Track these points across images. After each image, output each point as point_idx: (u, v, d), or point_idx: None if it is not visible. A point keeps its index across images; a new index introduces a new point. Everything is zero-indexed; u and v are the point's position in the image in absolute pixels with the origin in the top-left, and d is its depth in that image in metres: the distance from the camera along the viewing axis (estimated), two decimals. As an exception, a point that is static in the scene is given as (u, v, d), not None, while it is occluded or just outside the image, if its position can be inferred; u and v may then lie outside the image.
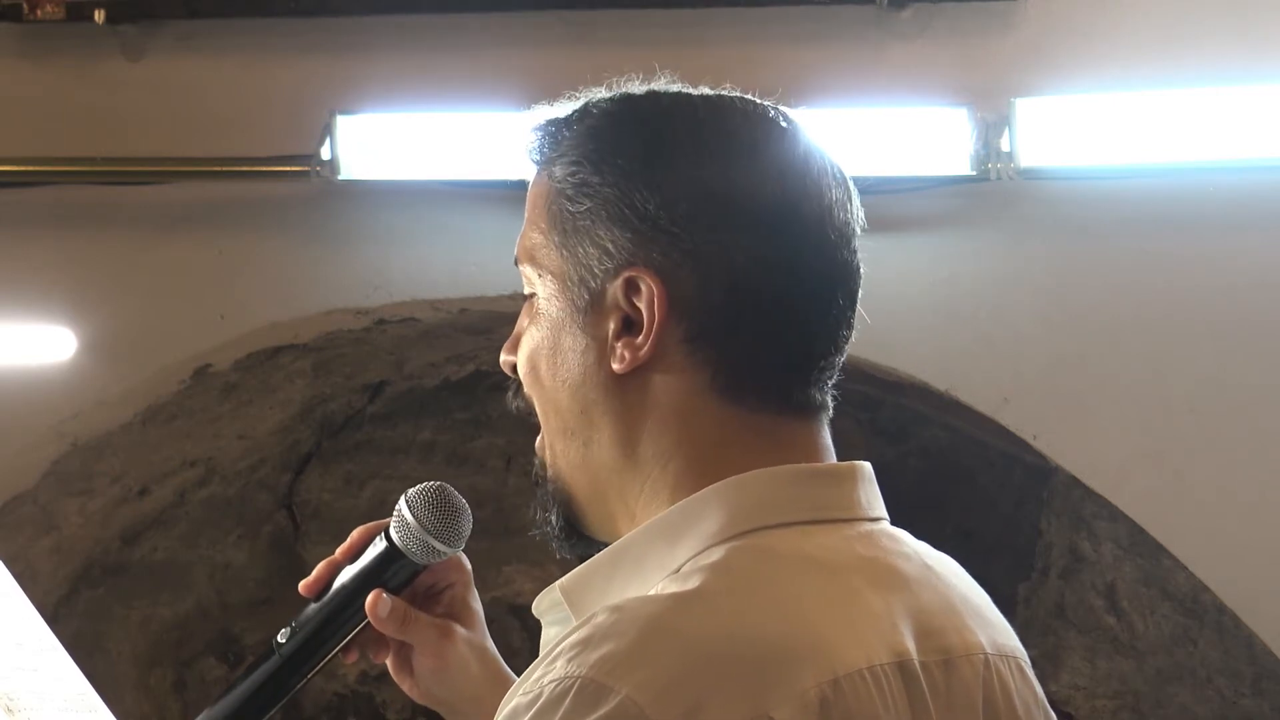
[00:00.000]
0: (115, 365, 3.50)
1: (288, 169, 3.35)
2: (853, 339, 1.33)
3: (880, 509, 1.34)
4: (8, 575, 1.70)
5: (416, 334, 3.61)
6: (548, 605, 1.33)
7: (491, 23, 3.31)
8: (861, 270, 1.33)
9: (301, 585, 1.56)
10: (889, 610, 1.25)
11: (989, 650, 1.31)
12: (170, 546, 4.00)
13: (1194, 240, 3.14)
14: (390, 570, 1.55)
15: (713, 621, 1.18)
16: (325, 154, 3.29)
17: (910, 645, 1.24)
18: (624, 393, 1.30)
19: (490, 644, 1.61)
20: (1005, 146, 3.09)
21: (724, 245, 1.27)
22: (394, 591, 1.55)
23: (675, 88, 1.35)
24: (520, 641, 3.49)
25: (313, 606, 1.56)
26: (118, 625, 3.99)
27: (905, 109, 3.15)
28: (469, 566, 1.61)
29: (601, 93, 1.35)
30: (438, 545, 1.53)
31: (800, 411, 1.31)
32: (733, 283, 1.28)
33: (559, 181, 1.32)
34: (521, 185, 1.39)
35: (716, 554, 1.24)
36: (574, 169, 1.31)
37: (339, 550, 1.57)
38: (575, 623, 1.25)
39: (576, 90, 1.37)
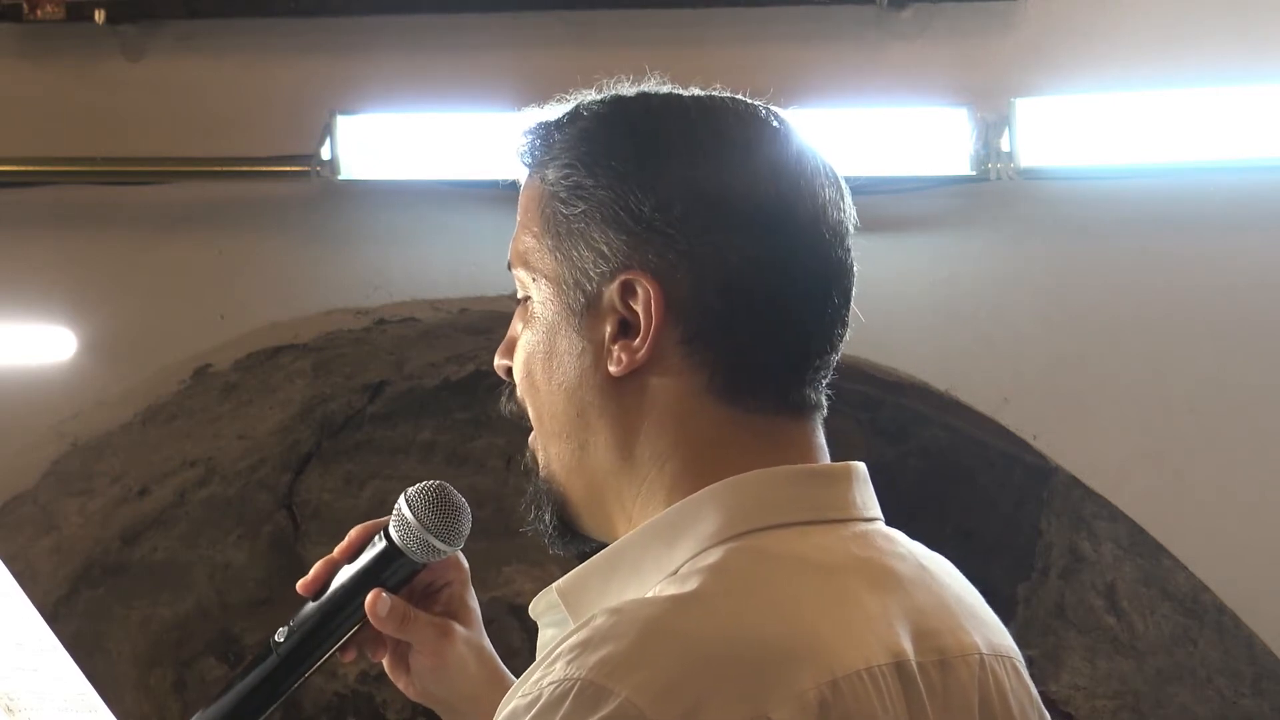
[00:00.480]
0: (115, 365, 3.50)
1: (288, 169, 3.35)
2: (848, 337, 1.33)
3: (875, 509, 1.34)
4: (8, 575, 1.70)
5: (416, 334, 3.61)
6: (544, 607, 1.33)
7: (491, 23, 3.31)
8: (855, 269, 1.33)
9: (300, 584, 1.56)
10: (885, 611, 1.25)
11: (984, 650, 1.31)
12: (170, 546, 4.00)
13: (1194, 240, 3.14)
14: (389, 569, 1.54)
15: (711, 623, 1.18)
16: (325, 154, 3.29)
17: (907, 646, 1.24)
18: (620, 395, 1.30)
19: (488, 643, 1.61)
20: (1005, 146, 3.09)
21: (719, 246, 1.27)
22: (393, 590, 1.54)
23: (666, 89, 1.35)
24: (520, 641, 3.49)
25: (311, 605, 1.56)
26: (118, 625, 3.99)
27: (905, 109, 3.15)
28: (466, 565, 1.61)
29: (592, 95, 1.35)
30: (437, 544, 1.53)
31: (796, 411, 1.31)
32: (728, 283, 1.28)
33: (552, 185, 1.32)
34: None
35: (714, 555, 1.24)
36: (567, 171, 1.31)
37: (337, 549, 1.57)
38: (573, 625, 1.25)
39: (576, 90, 1.37)
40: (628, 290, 1.28)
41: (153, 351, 3.52)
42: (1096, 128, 3.07)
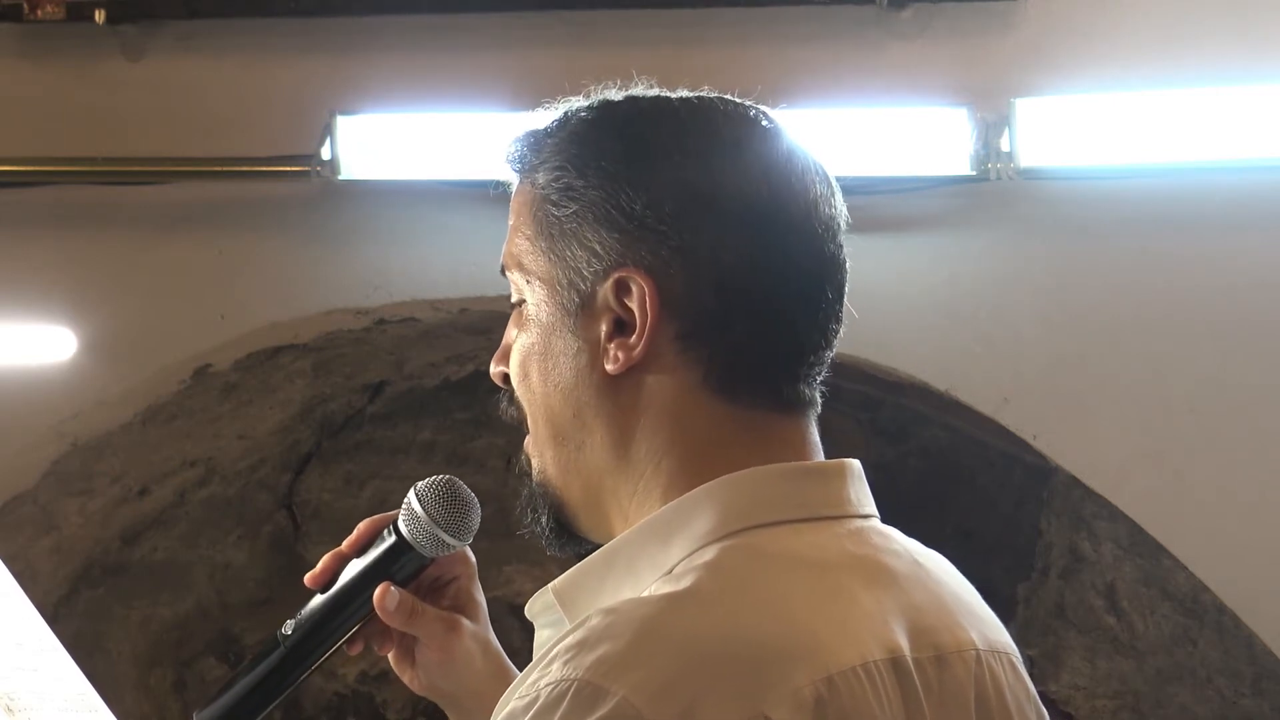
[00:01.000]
0: (115, 365, 3.50)
1: (288, 169, 3.35)
2: (842, 333, 1.34)
3: (870, 506, 1.34)
4: (8, 575, 1.70)
5: (416, 334, 3.61)
6: (540, 608, 1.33)
7: (491, 23, 3.31)
8: (848, 264, 1.34)
9: (307, 577, 1.57)
10: (881, 607, 1.25)
11: (980, 646, 1.31)
12: (170, 546, 4.00)
13: (1194, 240, 3.14)
14: (398, 563, 1.55)
15: (707, 622, 1.18)
16: (325, 154, 3.29)
17: (903, 642, 1.24)
18: (617, 394, 1.30)
19: (494, 638, 1.62)
20: (1005, 146, 3.09)
21: (712, 242, 1.28)
22: (401, 584, 1.55)
23: (654, 92, 1.35)
24: (520, 641, 3.48)
25: (318, 598, 1.57)
26: (118, 625, 3.99)
27: (905, 109, 3.15)
28: (474, 559, 1.61)
29: (580, 101, 1.35)
30: (447, 538, 1.53)
31: (790, 408, 1.31)
32: (722, 280, 1.28)
33: (543, 188, 1.33)
34: (522, 186, 1.39)
35: (709, 554, 1.24)
36: (558, 174, 1.32)
37: (345, 543, 1.58)
38: (569, 625, 1.25)
39: (575, 90, 1.37)
40: (622, 288, 1.29)
41: (153, 351, 3.52)
42: (1096, 128, 3.07)
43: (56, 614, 3.76)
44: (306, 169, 3.31)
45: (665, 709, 1.13)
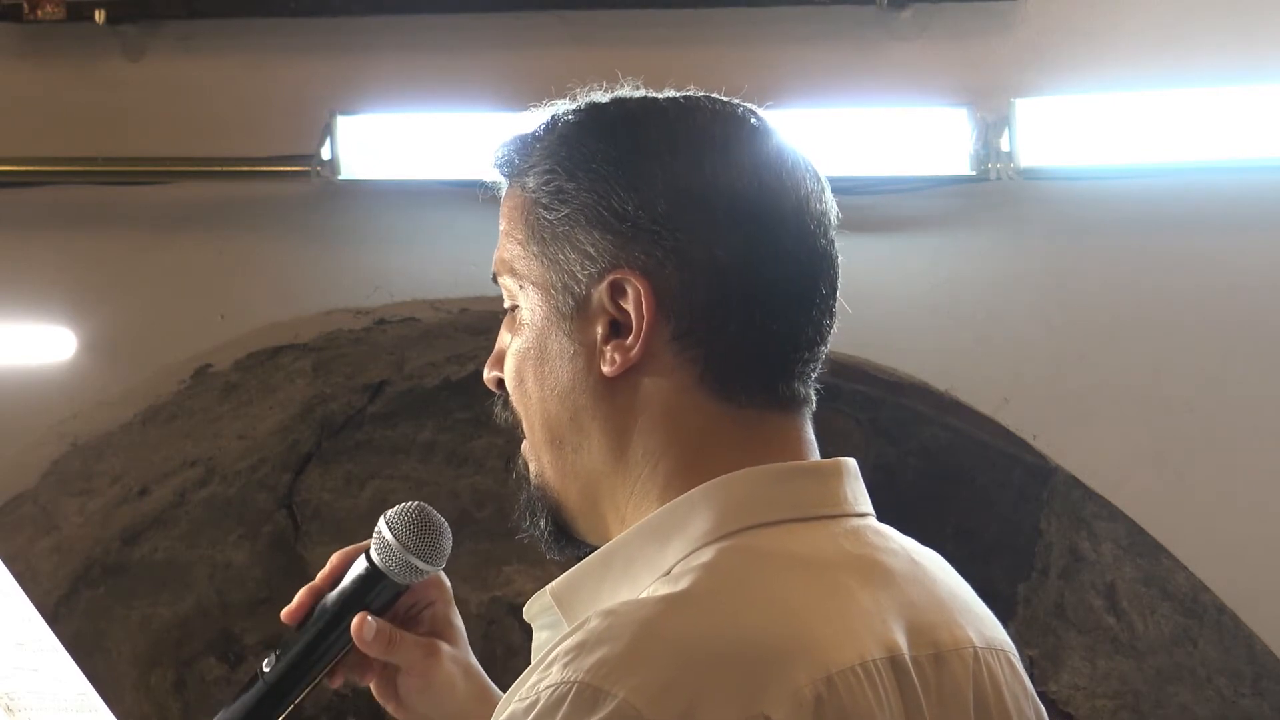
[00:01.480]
0: (115, 365, 3.50)
1: (288, 169, 3.35)
2: (836, 329, 1.33)
3: (866, 504, 1.34)
4: (8, 575, 1.70)
5: (416, 334, 3.61)
6: (538, 609, 1.33)
7: (491, 23, 3.30)
8: (840, 260, 1.34)
9: (284, 613, 1.56)
10: (879, 606, 1.25)
11: (978, 644, 1.31)
12: (170, 546, 4.00)
13: (1194, 240, 3.14)
14: (373, 592, 1.55)
15: (706, 623, 1.18)
16: (325, 154, 3.29)
17: (901, 640, 1.24)
18: (613, 396, 1.30)
19: (474, 660, 1.61)
20: (1005, 146, 3.09)
21: (705, 241, 1.28)
22: (377, 613, 1.55)
23: (641, 93, 1.35)
24: (520, 641, 3.49)
25: (296, 632, 1.56)
26: (118, 625, 3.99)
27: (905, 109, 3.15)
28: (448, 584, 1.61)
29: (567, 103, 1.35)
30: (419, 564, 1.53)
31: (786, 405, 1.31)
32: (716, 279, 1.28)
33: (533, 192, 1.33)
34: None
35: (706, 555, 1.24)
36: (548, 177, 1.32)
37: (319, 576, 1.57)
38: (567, 627, 1.25)
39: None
40: (617, 290, 1.29)
41: (153, 351, 3.52)
42: (1096, 128, 3.07)
43: (56, 614, 3.76)
44: (306, 169, 3.31)
45: (665, 710, 1.13)
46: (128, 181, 3.43)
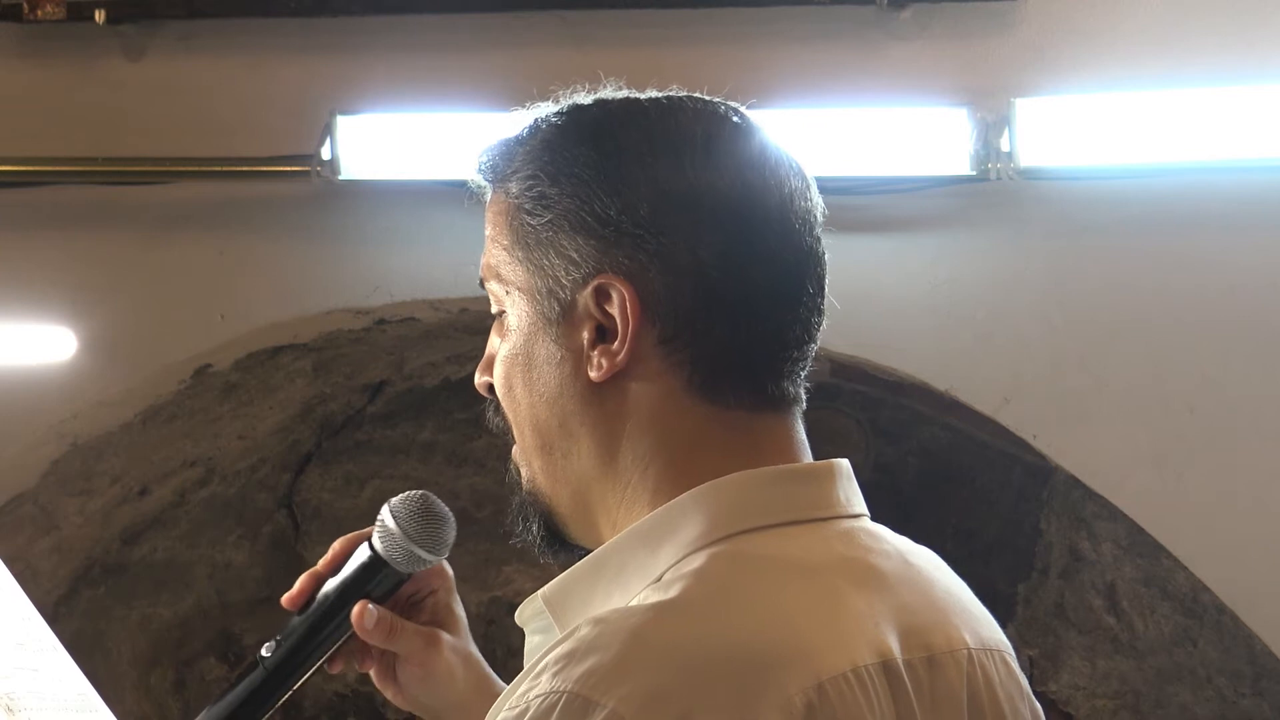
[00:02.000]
0: (115, 365, 3.50)
1: (288, 169, 3.35)
2: (825, 327, 1.33)
3: (860, 505, 1.34)
4: (8, 575, 1.71)
5: (416, 334, 3.61)
6: (530, 614, 1.33)
7: (491, 23, 3.30)
8: (826, 257, 1.33)
9: (285, 598, 1.56)
10: (871, 610, 1.25)
11: (972, 645, 1.31)
12: (170, 546, 4.00)
13: (1194, 240, 3.14)
14: (374, 580, 1.55)
15: (695, 631, 1.18)
16: (325, 154, 3.29)
17: (893, 644, 1.24)
18: (602, 401, 1.30)
19: (475, 649, 1.61)
20: (1005, 146, 3.09)
21: (689, 243, 1.27)
22: (378, 601, 1.55)
23: (623, 94, 1.35)
24: (520, 641, 3.49)
25: (297, 618, 1.56)
26: (118, 625, 3.99)
27: (905, 109, 3.15)
28: (450, 572, 1.61)
29: (550, 105, 1.35)
30: (422, 554, 1.53)
31: (775, 406, 1.31)
32: (701, 281, 1.28)
33: (516, 197, 1.33)
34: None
35: (697, 561, 1.24)
36: (530, 183, 1.32)
37: (321, 562, 1.58)
38: (559, 632, 1.25)
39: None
40: (602, 294, 1.28)
41: (153, 351, 3.52)
42: (1096, 128, 3.07)
43: (56, 614, 3.76)
44: (306, 169, 3.30)
45: None
46: (128, 181, 3.43)
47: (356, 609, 1.54)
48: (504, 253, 1.34)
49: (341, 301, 3.44)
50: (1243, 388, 3.16)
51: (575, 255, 1.29)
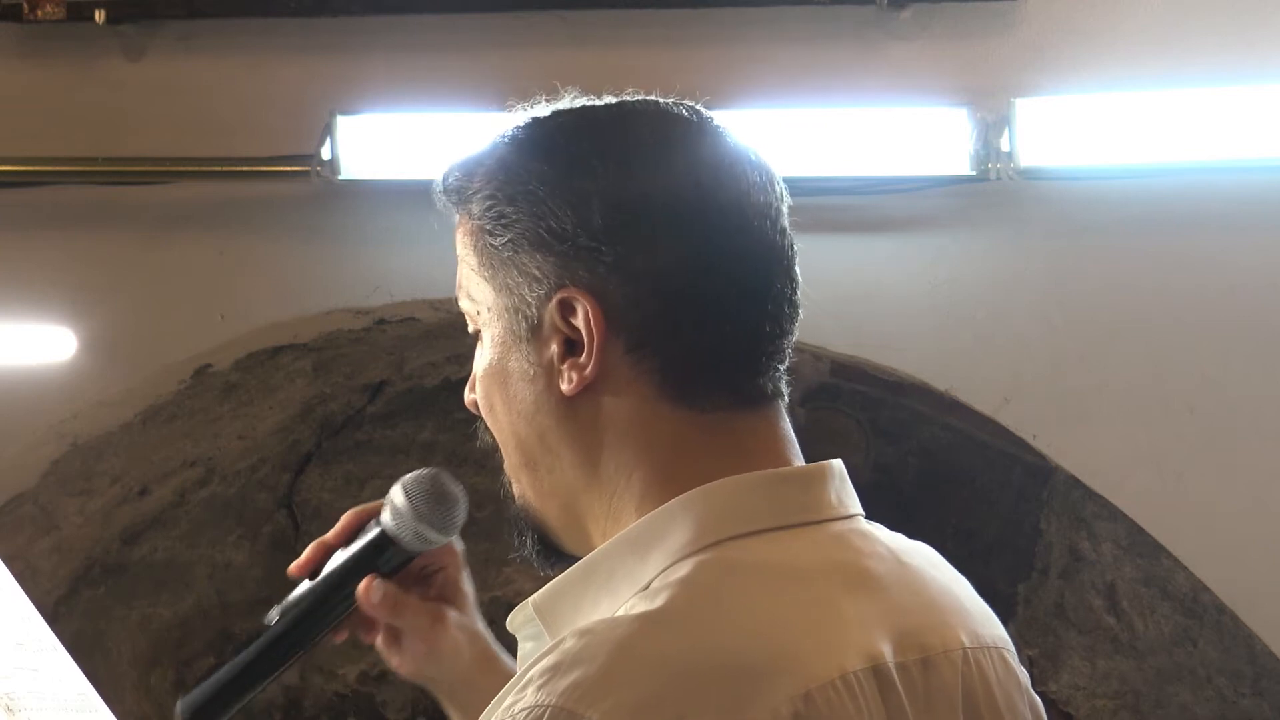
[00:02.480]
0: (115, 365, 3.49)
1: (288, 169, 3.35)
2: (801, 318, 1.33)
3: (853, 505, 1.34)
4: (8, 575, 1.71)
5: (416, 334, 3.61)
6: (521, 621, 1.33)
7: (491, 23, 3.30)
8: (795, 249, 1.33)
9: (292, 565, 1.57)
10: (862, 614, 1.24)
11: (968, 644, 1.30)
12: (170, 546, 4.00)
13: (1194, 240, 3.14)
14: (383, 557, 1.55)
15: (682, 641, 1.17)
16: (325, 154, 3.29)
17: (885, 649, 1.23)
18: (577, 414, 1.30)
19: (482, 625, 1.62)
20: (1005, 146, 3.09)
21: (646, 250, 1.28)
22: (387, 576, 1.55)
23: (580, 102, 1.35)
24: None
25: (304, 588, 1.57)
26: (118, 625, 3.99)
27: (905, 109, 3.15)
28: (461, 548, 1.62)
29: (508, 119, 1.36)
30: (431, 534, 1.54)
31: (753, 404, 1.31)
32: (662, 286, 1.28)
33: (478, 218, 1.34)
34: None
35: (685, 568, 1.24)
36: (489, 204, 1.33)
37: (331, 533, 1.59)
38: (549, 639, 1.25)
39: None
40: (566, 309, 1.29)
41: (153, 351, 3.52)
42: (1096, 128, 3.07)
43: (56, 614, 3.76)
44: (306, 169, 3.30)
45: None
46: (128, 181, 3.43)
47: (363, 584, 1.55)
48: (473, 273, 1.36)
49: (341, 301, 3.44)
50: (1243, 388, 3.16)
51: (537, 272, 1.30)
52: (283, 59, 3.38)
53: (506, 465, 1.38)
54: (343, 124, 3.28)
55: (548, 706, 1.14)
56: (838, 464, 1.34)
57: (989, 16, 3.16)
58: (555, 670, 1.16)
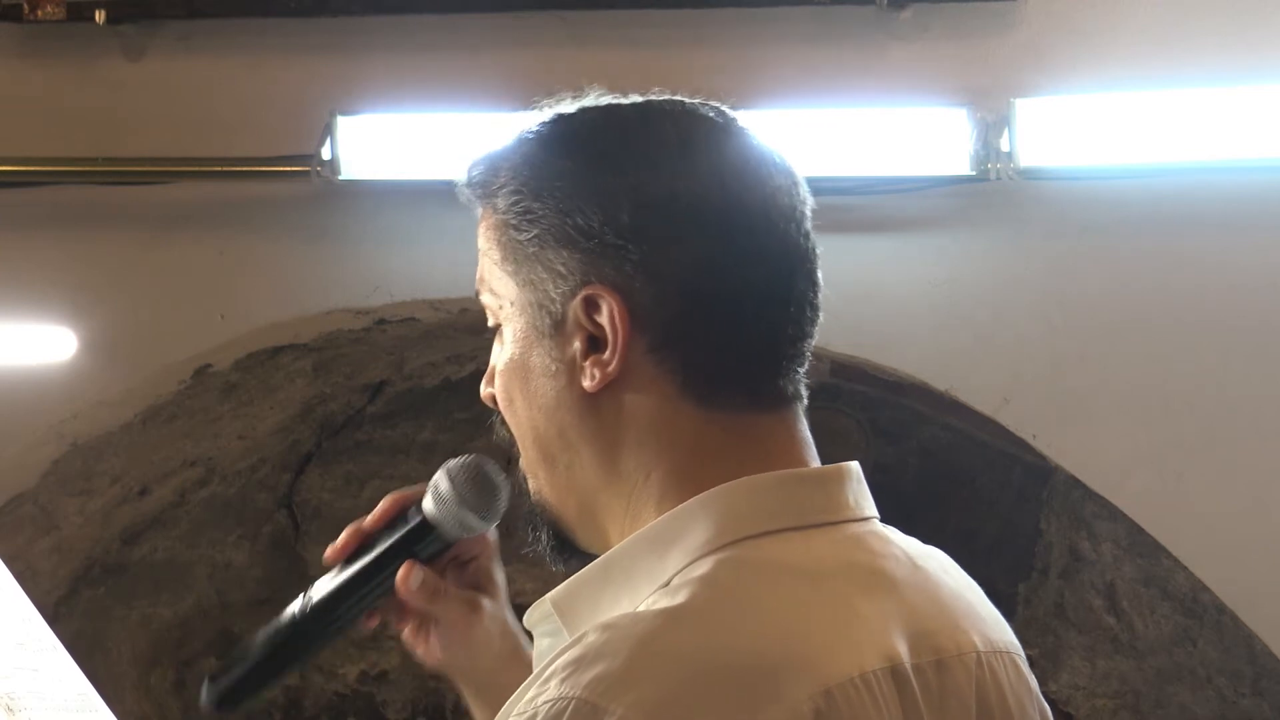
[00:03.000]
0: (115, 365, 3.50)
1: (288, 169, 3.35)
2: (821, 321, 1.33)
3: (869, 508, 1.34)
4: (8, 575, 1.71)
5: (416, 334, 3.61)
6: (539, 617, 1.33)
7: (491, 23, 3.31)
8: (818, 252, 1.33)
9: (329, 550, 1.57)
10: (879, 615, 1.25)
11: (981, 648, 1.31)
12: (170, 546, 4.00)
13: (1194, 240, 3.14)
14: (422, 543, 1.55)
15: (703, 638, 1.18)
16: (325, 154, 3.29)
17: (902, 649, 1.24)
18: (598, 411, 1.31)
19: (512, 617, 1.62)
20: (1005, 146, 3.09)
21: (672, 249, 1.28)
22: (424, 563, 1.55)
23: (605, 100, 1.35)
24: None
25: (340, 572, 1.57)
26: (118, 625, 3.99)
27: (905, 109, 3.15)
28: (495, 537, 1.62)
29: (533, 116, 1.36)
30: (474, 521, 1.54)
31: (773, 405, 1.31)
32: (687, 285, 1.28)
33: (503, 213, 1.34)
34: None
35: (704, 566, 1.24)
36: (515, 198, 1.33)
37: (369, 518, 1.58)
38: (567, 636, 1.26)
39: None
40: (591, 306, 1.29)
41: (153, 351, 3.52)
42: (1096, 128, 3.07)
43: (56, 614, 3.76)
44: (306, 169, 3.30)
45: None
46: (128, 181, 3.43)
47: (403, 569, 1.54)
48: (495, 267, 1.35)
49: (341, 301, 3.44)
50: (1243, 388, 3.16)
51: (562, 269, 1.30)
52: (282, 59, 3.38)
53: (523, 460, 1.38)
54: (343, 124, 3.28)
55: (571, 699, 1.14)
56: (855, 466, 1.34)
57: (989, 16, 3.16)
58: (579, 664, 1.16)
